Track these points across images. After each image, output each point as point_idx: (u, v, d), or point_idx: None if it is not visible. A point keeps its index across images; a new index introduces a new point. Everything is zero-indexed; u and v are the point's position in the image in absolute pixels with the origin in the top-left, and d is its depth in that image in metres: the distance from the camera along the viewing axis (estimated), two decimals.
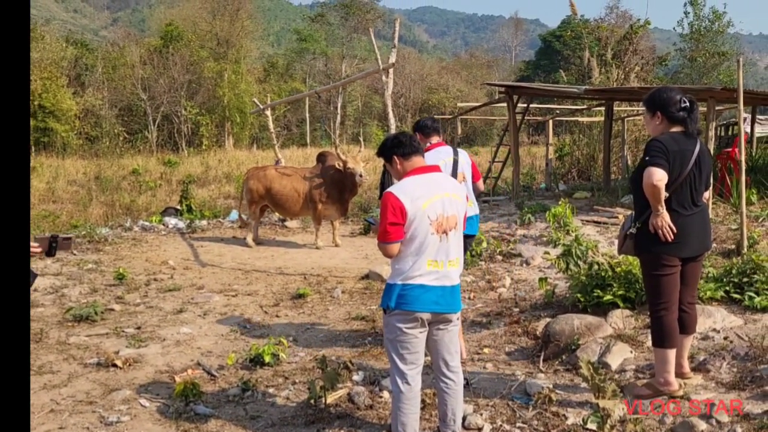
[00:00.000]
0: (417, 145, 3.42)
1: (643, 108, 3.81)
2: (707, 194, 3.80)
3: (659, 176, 3.45)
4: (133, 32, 48.07)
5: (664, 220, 3.54)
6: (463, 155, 4.82)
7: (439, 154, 4.69)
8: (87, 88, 30.65)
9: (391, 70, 8.03)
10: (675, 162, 3.53)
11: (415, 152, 3.39)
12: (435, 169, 3.45)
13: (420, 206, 3.19)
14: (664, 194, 3.51)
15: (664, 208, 3.54)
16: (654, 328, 3.72)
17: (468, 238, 4.61)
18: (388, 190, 3.29)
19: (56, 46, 30.18)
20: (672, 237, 3.55)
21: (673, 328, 3.67)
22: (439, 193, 3.26)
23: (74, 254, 8.60)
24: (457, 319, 3.41)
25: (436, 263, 3.24)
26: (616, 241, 7.80)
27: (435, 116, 30.21)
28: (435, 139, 4.84)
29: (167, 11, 41.44)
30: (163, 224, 11.25)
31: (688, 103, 3.60)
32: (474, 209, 4.77)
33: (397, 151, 3.39)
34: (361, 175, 8.93)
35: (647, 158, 3.54)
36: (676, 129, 3.64)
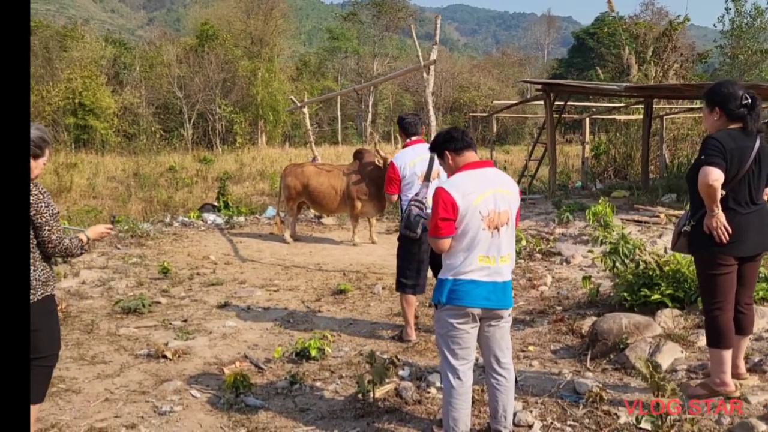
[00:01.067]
0: (469, 140, 3.39)
1: (702, 102, 3.72)
2: None
3: (715, 176, 3.37)
4: (168, 32, 48.93)
5: (719, 221, 3.46)
6: None
7: (416, 150, 5.08)
8: (125, 87, 31.33)
9: (432, 68, 8.04)
10: (732, 160, 3.45)
11: (467, 147, 3.36)
12: (488, 164, 3.41)
13: (471, 202, 3.17)
14: (720, 194, 3.43)
15: (720, 208, 3.46)
16: (708, 328, 3.64)
17: None
18: (440, 185, 3.28)
19: (95, 45, 30.93)
20: (727, 238, 3.46)
21: (729, 328, 3.59)
22: (491, 188, 3.24)
23: (118, 248, 8.79)
24: (509, 315, 3.39)
25: (488, 259, 3.22)
26: (659, 240, 7.70)
27: (466, 113, 30.09)
28: (415, 136, 5.22)
29: (202, 11, 42.17)
30: (202, 220, 11.42)
31: (749, 100, 3.50)
32: None
33: (449, 146, 3.38)
34: None
35: (703, 157, 3.45)
36: (734, 126, 3.55)
